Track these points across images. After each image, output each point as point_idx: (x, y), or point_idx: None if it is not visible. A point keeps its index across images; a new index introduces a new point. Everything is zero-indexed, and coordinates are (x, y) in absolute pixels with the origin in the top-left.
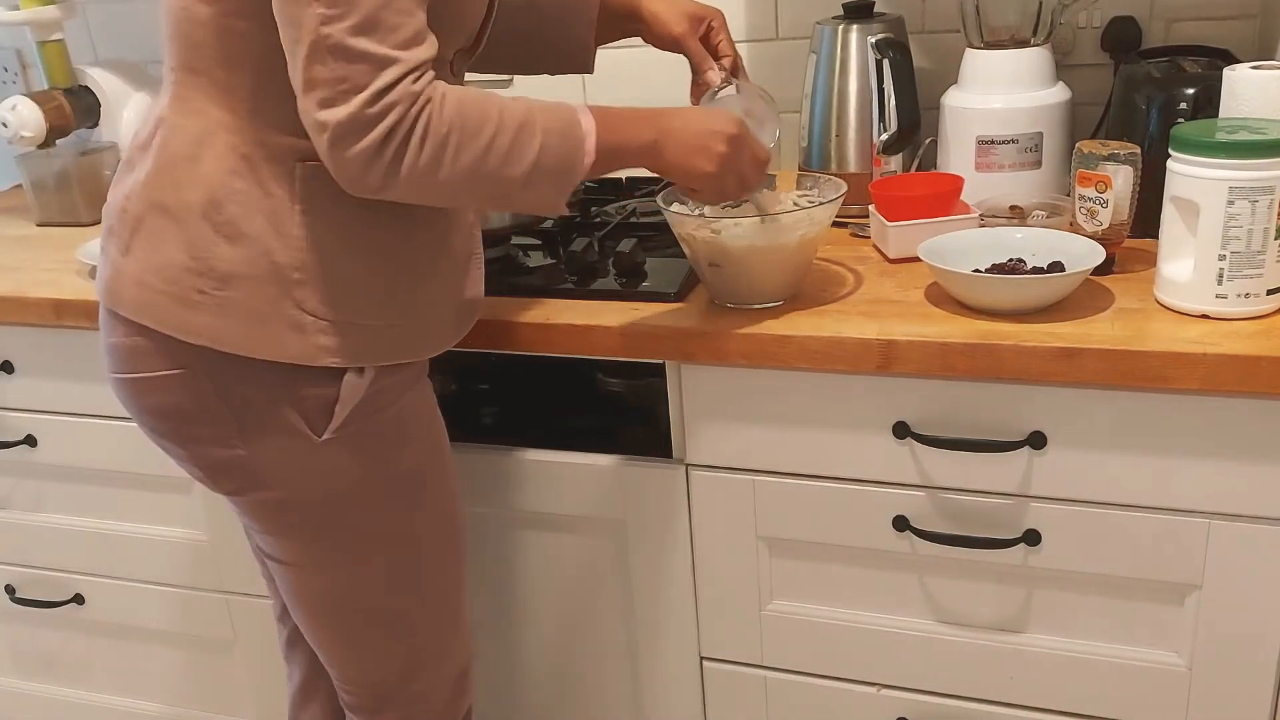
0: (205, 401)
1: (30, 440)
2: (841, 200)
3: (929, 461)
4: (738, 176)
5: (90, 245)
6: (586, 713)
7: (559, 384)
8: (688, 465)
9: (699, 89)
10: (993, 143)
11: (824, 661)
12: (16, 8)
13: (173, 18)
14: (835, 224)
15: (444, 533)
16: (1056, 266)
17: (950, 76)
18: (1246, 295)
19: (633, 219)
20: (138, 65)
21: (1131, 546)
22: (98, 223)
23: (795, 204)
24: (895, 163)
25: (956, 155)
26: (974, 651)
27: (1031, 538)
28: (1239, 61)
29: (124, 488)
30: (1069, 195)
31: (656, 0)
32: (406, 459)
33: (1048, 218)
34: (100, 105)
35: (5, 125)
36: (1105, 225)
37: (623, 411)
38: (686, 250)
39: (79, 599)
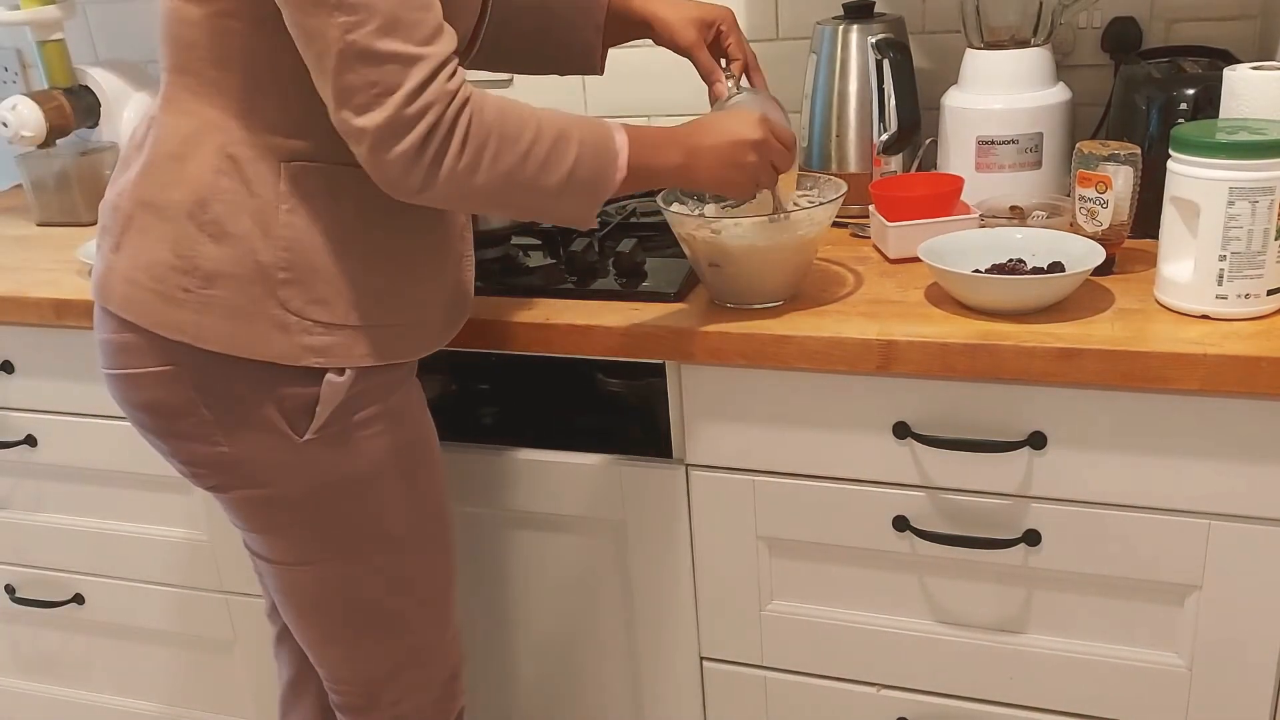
0: (189, 398)
1: (30, 440)
2: (841, 200)
3: (929, 462)
4: (768, 173)
5: (90, 245)
6: (586, 713)
7: (559, 384)
8: (688, 465)
9: (713, 98)
10: (993, 143)
11: (824, 661)
12: (17, 8)
13: (164, 18)
14: (835, 224)
15: (431, 534)
16: (1056, 267)
17: (950, 77)
18: (1247, 296)
19: (633, 219)
20: (138, 65)
21: (1131, 547)
22: (97, 222)
23: (795, 204)
24: (895, 163)
25: (956, 155)
26: (974, 652)
27: (1031, 538)
28: (1239, 62)
29: (124, 487)
30: (1069, 195)
31: (664, 7)
32: (391, 458)
33: (1048, 218)
34: (100, 105)
35: (5, 125)
36: (1105, 226)
37: (623, 411)
38: (686, 250)
39: (79, 599)
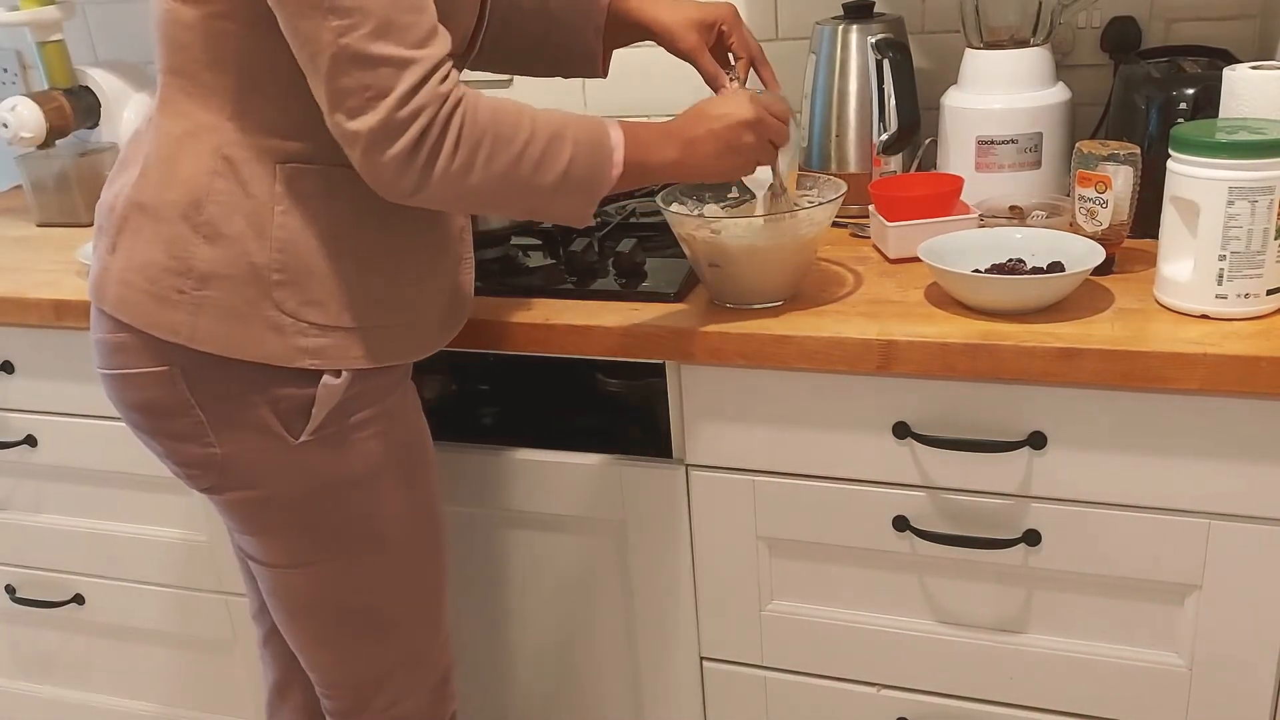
0: (183, 399)
1: (30, 440)
2: (841, 200)
3: (929, 462)
4: (767, 150)
5: (89, 246)
6: (586, 713)
7: (559, 384)
8: (687, 465)
9: None
10: (992, 143)
11: (824, 661)
12: (16, 8)
13: (158, 20)
14: (835, 224)
15: (424, 537)
16: (1056, 267)
17: (950, 76)
18: (1246, 295)
19: (633, 219)
20: (138, 65)
21: (1131, 546)
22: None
23: (795, 204)
24: (895, 163)
25: (956, 155)
26: (974, 652)
27: (1031, 538)
28: (1239, 61)
29: (124, 488)
30: (1069, 195)
31: (665, 11)
32: (386, 461)
33: (1047, 218)
34: (100, 105)
35: (5, 126)
36: (1105, 225)
37: (622, 412)
38: (686, 250)
39: (79, 599)
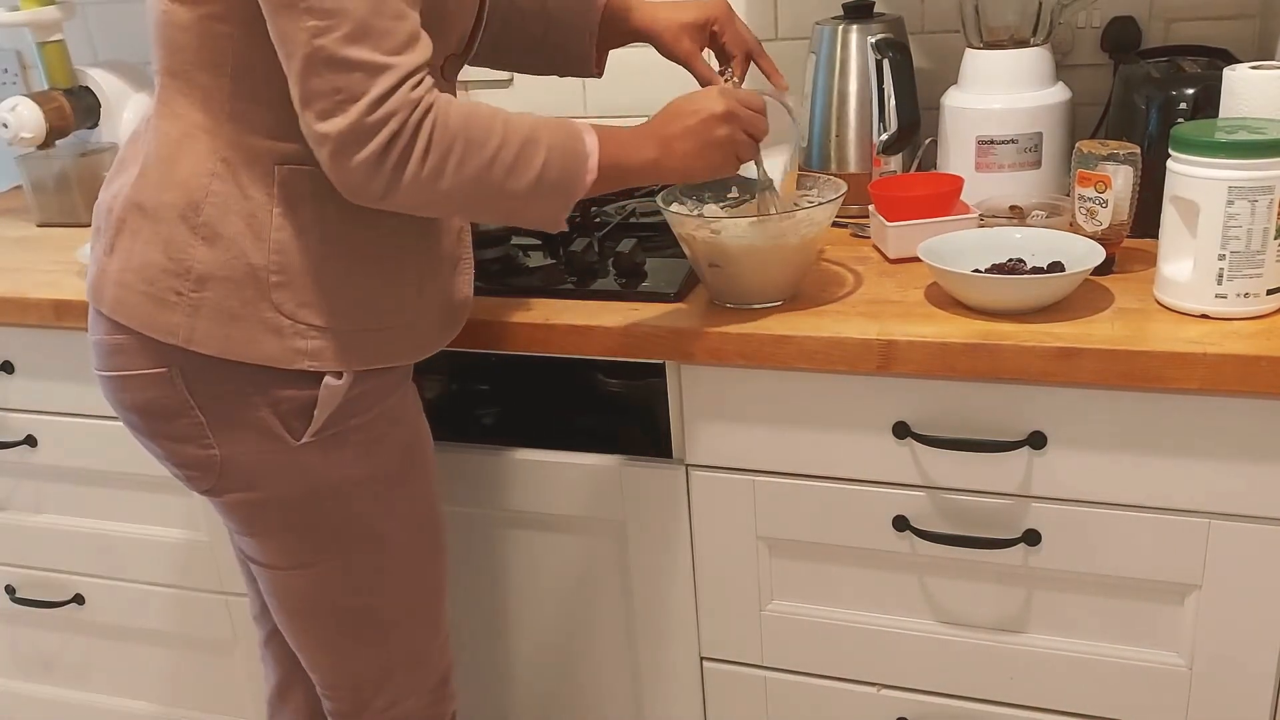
0: (182, 401)
1: (30, 440)
2: (841, 200)
3: (929, 461)
4: (745, 144)
5: (89, 246)
6: (586, 713)
7: (559, 384)
8: (687, 465)
9: None
10: (992, 143)
11: (824, 661)
12: (16, 8)
13: (155, 22)
14: (835, 224)
15: (424, 538)
16: (1056, 266)
17: (950, 76)
18: (1246, 295)
19: (632, 219)
20: (138, 66)
21: (1131, 546)
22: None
23: (795, 204)
24: (895, 163)
25: (956, 155)
26: (974, 652)
27: (1031, 538)
28: (1239, 61)
29: (124, 488)
30: (1069, 195)
31: (657, 18)
32: (386, 462)
33: (1047, 218)
34: (100, 106)
35: (5, 126)
36: (1105, 225)
37: (622, 412)
38: (686, 250)
39: (79, 599)
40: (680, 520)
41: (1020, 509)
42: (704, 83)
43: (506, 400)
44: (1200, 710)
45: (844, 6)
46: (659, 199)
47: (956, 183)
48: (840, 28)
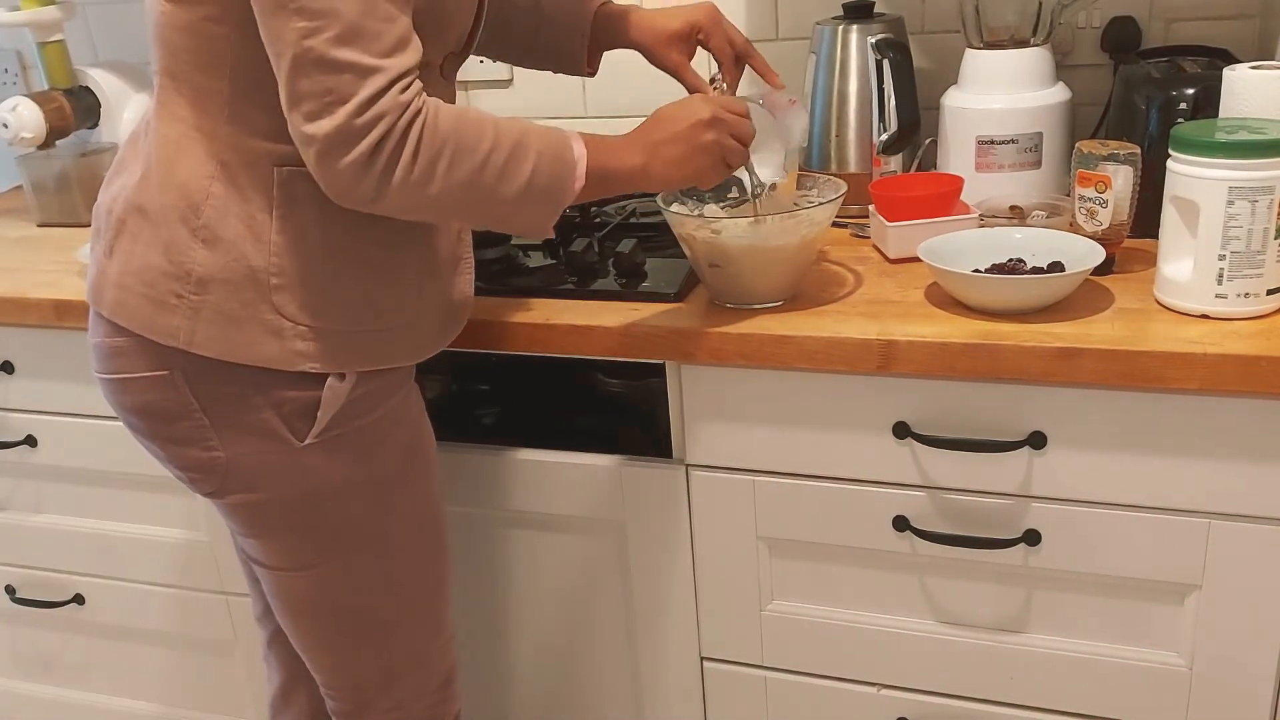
0: (184, 403)
1: (30, 440)
2: (841, 201)
3: (929, 462)
4: (734, 149)
5: (89, 246)
6: (587, 713)
7: (559, 384)
8: (688, 465)
9: None
10: (992, 143)
11: (824, 661)
12: (17, 8)
13: (153, 23)
14: (835, 224)
15: (427, 538)
16: (1056, 266)
17: (950, 76)
18: (1246, 295)
19: (633, 219)
20: (138, 66)
21: (1131, 546)
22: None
23: (795, 205)
24: (895, 163)
25: (956, 155)
26: (974, 651)
27: (1031, 538)
28: (1239, 61)
29: (124, 488)
30: (1069, 195)
31: (644, 29)
32: (389, 463)
33: (1048, 218)
34: (100, 106)
35: (6, 126)
36: (1105, 225)
37: (623, 412)
38: (686, 250)
39: (79, 599)
40: (680, 520)
41: (1020, 509)
42: (693, 92)
43: (507, 400)
44: (1200, 710)
45: (844, 6)
46: (659, 199)
47: (957, 183)
48: (840, 28)
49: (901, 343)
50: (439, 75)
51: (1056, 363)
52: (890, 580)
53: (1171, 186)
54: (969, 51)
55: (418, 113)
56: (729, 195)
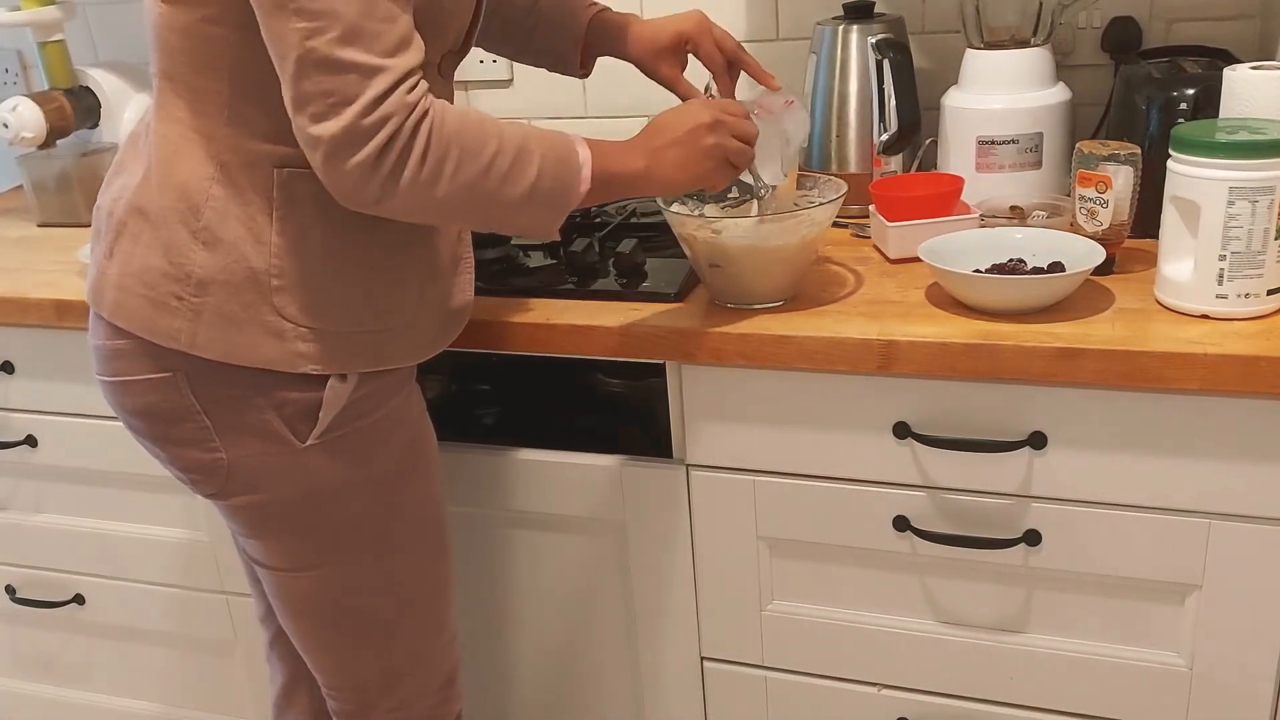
0: (186, 405)
1: (30, 440)
2: (842, 201)
3: (929, 462)
4: (737, 150)
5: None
6: (587, 713)
7: (559, 384)
8: (688, 465)
9: None
10: (993, 143)
11: (824, 661)
12: (17, 8)
13: (151, 25)
14: (836, 224)
15: (429, 538)
16: (1057, 267)
17: (950, 77)
18: (1247, 295)
19: (633, 219)
20: (138, 66)
21: (1131, 546)
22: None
23: (795, 205)
24: (895, 163)
25: (957, 155)
26: (974, 652)
27: (1032, 538)
28: (1239, 62)
29: (124, 488)
30: (1069, 195)
31: (637, 43)
32: (391, 463)
33: (1048, 218)
34: (101, 106)
35: (6, 126)
36: (1105, 225)
37: (623, 412)
38: (687, 250)
39: (79, 599)
40: (680, 520)
41: (1020, 509)
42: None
43: (507, 400)
44: (1200, 710)
45: (844, 7)
46: (659, 199)
47: (957, 183)
48: (841, 28)
49: (902, 343)
50: (437, 74)
51: (1057, 363)
52: (890, 580)
53: (1172, 187)
54: (969, 51)
55: (425, 113)
56: (729, 195)
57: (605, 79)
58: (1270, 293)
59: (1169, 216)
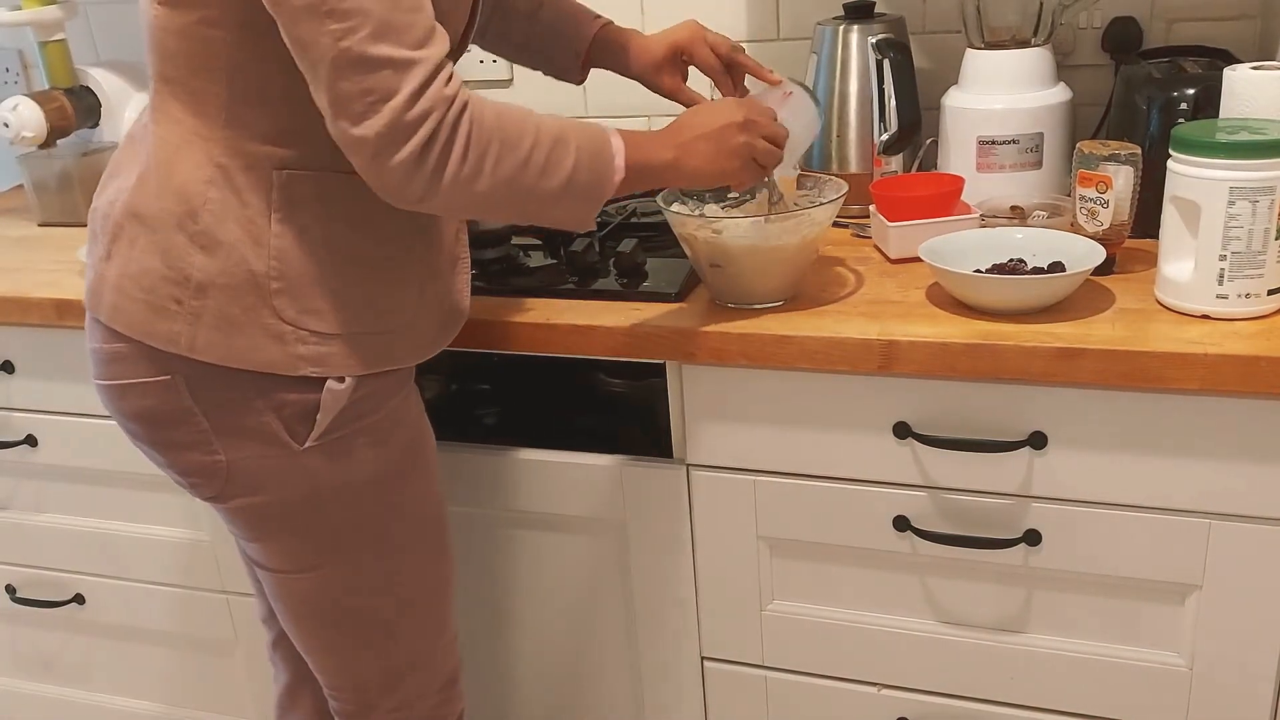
0: (184, 408)
1: (30, 440)
2: (842, 201)
3: (929, 462)
4: (764, 150)
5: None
6: (587, 713)
7: (560, 384)
8: (688, 465)
9: None
10: (993, 143)
11: (824, 661)
12: (18, 8)
13: (147, 27)
14: (836, 224)
15: (429, 539)
16: (1057, 267)
17: (951, 77)
18: (1247, 295)
19: (633, 219)
20: (139, 65)
21: (1131, 546)
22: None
23: (796, 205)
24: (896, 163)
25: (957, 155)
26: (974, 651)
27: (1032, 538)
28: (1239, 62)
29: (124, 488)
30: (1069, 195)
31: (636, 59)
32: (390, 464)
33: (1048, 218)
34: (101, 105)
35: (7, 125)
36: (1106, 225)
37: (623, 412)
38: (687, 250)
39: (79, 599)
40: (681, 520)
41: (1020, 509)
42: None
43: (508, 400)
44: (1200, 710)
45: (845, 7)
46: (659, 199)
47: (957, 183)
48: (841, 28)
49: (902, 343)
50: None
51: (1057, 363)
52: (891, 580)
53: (1172, 187)
54: (970, 52)
55: (464, 107)
56: (729, 195)
57: (606, 79)
58: (1271, 293)
59: (1169, 216)
